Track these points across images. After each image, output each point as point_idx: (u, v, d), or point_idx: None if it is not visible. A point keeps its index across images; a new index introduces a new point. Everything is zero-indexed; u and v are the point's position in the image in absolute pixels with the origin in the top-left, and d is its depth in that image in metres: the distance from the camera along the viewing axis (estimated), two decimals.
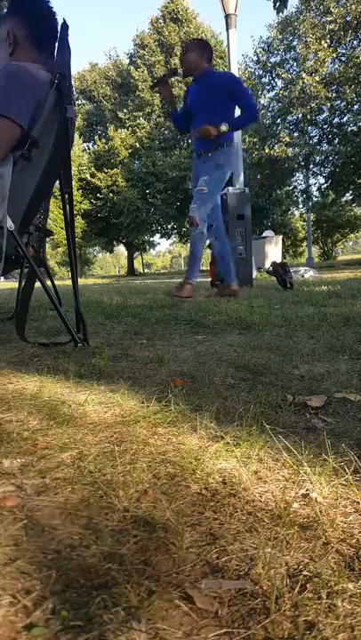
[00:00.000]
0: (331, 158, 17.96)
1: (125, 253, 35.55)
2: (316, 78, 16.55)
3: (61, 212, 1.88)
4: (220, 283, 4.54)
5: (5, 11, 1.66)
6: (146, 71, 25.56)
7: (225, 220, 4.99)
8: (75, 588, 0.47)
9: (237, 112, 3.67)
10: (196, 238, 3.62)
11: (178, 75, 3.73)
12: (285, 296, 3.50)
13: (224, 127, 3.46)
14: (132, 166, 25.82)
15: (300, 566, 0.50)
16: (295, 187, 22.35)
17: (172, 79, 3.74)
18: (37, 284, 1.73)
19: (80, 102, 29.04)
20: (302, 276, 7.01)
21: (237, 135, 6.25)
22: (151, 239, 32.98)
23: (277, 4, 5.23)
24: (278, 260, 9.29)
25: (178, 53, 24.99)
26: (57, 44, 1.59)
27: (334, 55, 16.86)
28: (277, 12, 5.38)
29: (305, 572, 0.49)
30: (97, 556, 0.52)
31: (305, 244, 30.04)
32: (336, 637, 0.41)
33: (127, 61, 28.41)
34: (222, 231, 3.90)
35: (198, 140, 3.65)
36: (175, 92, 24.56)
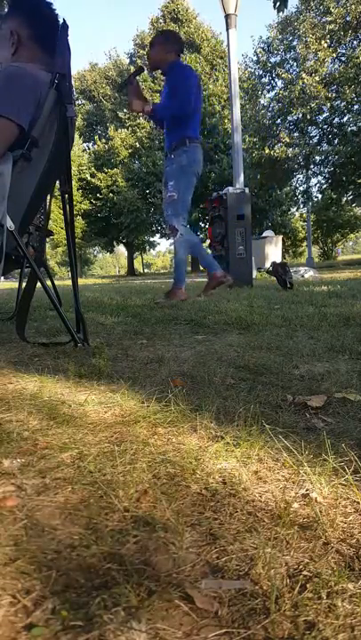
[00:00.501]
0: (331, 158, 17.96)
1: (125, 253, 35.54)
2: (316, 78, 16.56)
3: (61, 212, 1.88)
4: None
5: (7, 9, 1.66)
6: (146, 71, 25.52)
7: (225, 221, 5.01)
8: (75, 588, 0.47)
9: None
10: (179, 244, 3.53)
11: (142, 71, 3.58)
12: (285, 296, 3.50)
13: (148, 107, 3.33)
14: (132, 166, 25.82)
15: (300, 566, 0.50)
16: (295, 187, 22.35)
17: (139, 77, 3.53)
18: (37, 283, 1.73)
19: (80, 102, 29.05)
20: (302, 276, 7.01)
21: (237, 135, 6.25)
22: (151, 239, 32.98)
23: (278, 3, 5.23)
24: (278, 260, 9.29)
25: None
26: (57, 44, 1.59)
27: (334, 55, 16.87)
28: (278, 12, 5.38)
29: (305, 572, 0.49)
30: (97, 556, 0.52)
31: (305, 244, 30.04)
32: (336, 637, 0.41)
33: (127, 61, 28.42)
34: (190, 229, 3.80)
35: (165, 140, 3.53)
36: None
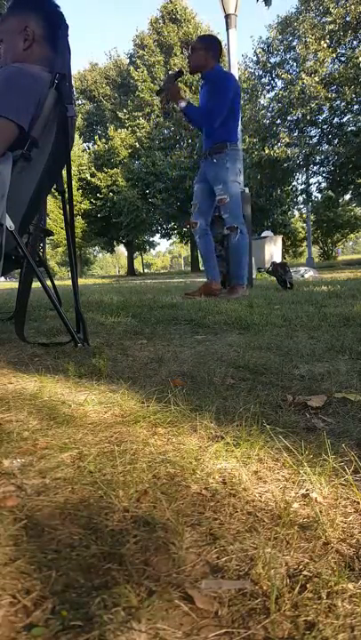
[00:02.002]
0: (331, 158, 17.97)
1: (125, 253, 35.55)
2: (316, 78, 16.56)
3: (61, 212, 1.88)
4: (222, 283, 4.52)
5: (14, 3, 1.65)
6: (145, 71, 25.56)
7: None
8: (75, 588, 0.47)
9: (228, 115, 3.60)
10: (237, 243, 3.70)
11: (182, 75, 3.69)
12: (285, 296, 3.50)
13: (183, 103, 3.47)
14: (132, 166, 25.82)
15: (300, 566, 0.50)
16: (295, 187, 22.37)
17: (178, 79, 3.67)
18: (37, 283, 1.73)
19: (80, 102, 29.05)
20: (302, 276, 7.01)
21: (237, 135, 6.25)
22: (151, 239, 33.00)
23: None
24: (278, 260, 9.29)
25: (177, 53, 25.02)
26: (58, 44, 1.59)
27: (334, 55, 16.88)
28: (265, 4, 5.40)
29: (305, 572, 0.49)
30: (97, 555, 0.52)
31: (305, 244, 30.05)
32: (336, 637, 0.41)
33: (127, 61, 28.43)
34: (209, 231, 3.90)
35: (204, 141, 3.67)
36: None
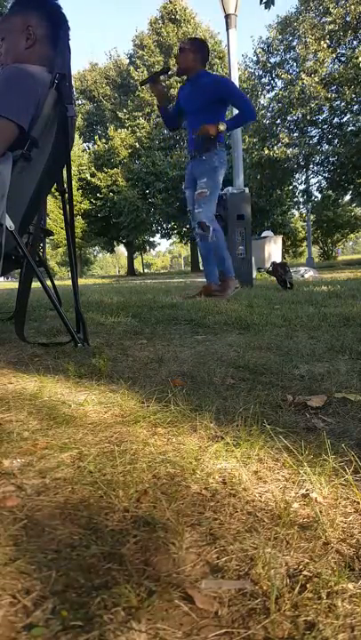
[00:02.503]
0: (331, 158, 17.97)
1: (125, 253, 35.55)
2: (316, 79, 16.56)
3: (61, 212, 1.88)
4: (222, 283, 4.51)
5: (17, 1, 1.64)
6: (145, 71, 25.55)
7: (225, 221, 5.00)
8: (75, 588, 0.47)
9: (229, 113, 3.68)
10: (215, 237, 3.64)
11: (168, 73, 3.70)
12: (285, 296, 3.50)
13: (222, 126, 3.48)
14: (132, 166, 25.82)
15: (300, 566, 0.50)
16: (295, 187, 22.37)
17: (163, 77, 3.68)
18: (37, 283, 1.73)
19: (80, 102, 29.05)
20: (302, 276, 7.02)
21: (237, 135, 6.25)
22: (151, 239, 32.99)
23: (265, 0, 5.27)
24: (278, 260, 9.29)
25: (176, 53, 25.00)
26: (58, 44, 1.59)
27: (334, 55, 16.88)
28: (265, 7, 5.41)
29: (305, 572, 0.49)
30: (97, 555, 0.52)
31: (305, 244, 30.05)
32: (336, 637, 0.41)
33: (127, 61, 28.43)
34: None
35: (192, 142, 3.66)
36: (173, 91, 24.60)
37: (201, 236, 3.63)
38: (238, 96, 3.56)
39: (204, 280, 3.97)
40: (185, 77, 3.69)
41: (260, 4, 5.36)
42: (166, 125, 3.92)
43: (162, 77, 3.67)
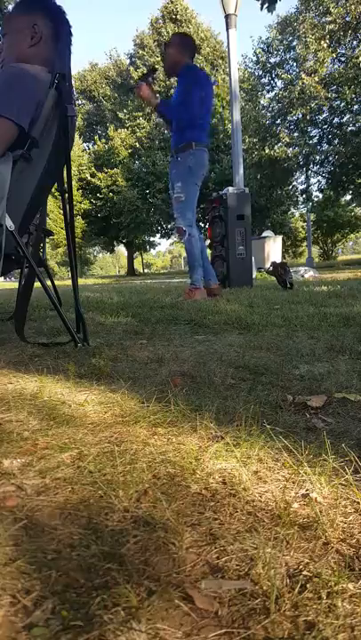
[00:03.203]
0: (331, 158, 17.97)
1: (125, 253, 35.53)
2: (316, 78, 16.56)
3: (61, 212, 1.88)
4: (222, 283, 4.52)
5: (22, 1, 1.65)
6: (146, 71, 25.55)
7: (225, 221, 5.00)
8: (75, 588, 0.47)
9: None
10: (189, 244, 3.57)
11: (155, 73, 3.64)
12: (285, 296, 3.50)
13: (155, 101, 3.43)
14: (132, 166, 25.83)
15: (300, 566, 0.50)
16: (295, 187, 22.38)
17: (150, 78, 3.64)
18: (37, 283, 1.73)
19: (80, 102, 29.05)
20: (302, 276, 7.02)
21: (237, 135, 6.25)
22: (151, 239, 32.98)
23: (266, 4, 5.28)
24: (278, 259, 9.29)
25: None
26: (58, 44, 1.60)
27: (334, 55, 16.88)
28: (268, 11, 5.43)
29: (305, 572, 0.49)
30: (97, 555, 0.52)
31: (305, 244, 30.03)
32: (336, 637, 0.41)
33: (127, 61, 28.43)
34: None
35: (172, 141, 3.60)
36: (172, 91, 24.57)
37: (179, 238, 3.59)
38: (177, 92, 3.45)
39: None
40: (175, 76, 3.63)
41: (262, 9, 5.37)
42: (169, 125, 3.83)
43: (149, 79, 3.58)
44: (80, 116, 28.17)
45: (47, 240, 2.16)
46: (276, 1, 5.28)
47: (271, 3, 5.27)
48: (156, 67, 3.74)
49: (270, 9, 5.34)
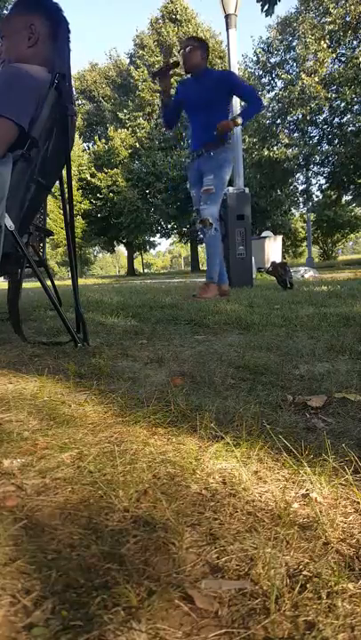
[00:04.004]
0: (331, 158, 17.97)
1: (125, 253, 35.53)
2: (316, 79, 16.58)
3: (61, 212, 1.88)
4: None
5: (20, 1, 1.65)
6: (146, 71, 25.56)
7: (225, 221, 5.01)
8: (75, 588, 0.47)
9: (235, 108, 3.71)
10: (214, 238, 3.63)
11: (175, 67, 3.70)
12: (285, 296, 3.50)
13: (239, 120, 3.52)
14: (132, 166, 25.82)
15: (300, 566, 0.50)
16: (295, 187, 22.37)
17: (172, 71, 3.73)
18: (37, 283, 1.73)
19: (80, 102, 29.04)
20: (302, 276, 7.02)
21: (237, 135, 6.25)
22: (151, 239, 32.98)
23: (266, 6, 5.30)
24: (278, 260, 9.28)
25: (177, 52, 25.00)
26: (58, 43, 1.60)
27: (334, 56, 16.89)
28: (266, 15, 5.45)
29: (305, 572, 0.49)
30: (97, 555, 0.52)
31: (305, 244, 30.03)
32: (336, 637, 0.41)
33: (127, 61, 28.43)
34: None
35: (197, 139, 3.68)
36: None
37: (201, 231, 3.63)
38: (244, 87, 3.60)
39: (204, 280, 3.96)
40: (190, 75, 3.71)
41: (262, 12, 5.39)
42: (165, 123, 3.91)
43: (170, 72, 3.67)
44: (80, 116, 28.15)
45: (47, 240, 2.16)
46: (274, 4, 5.29)
47: (270, 5, 5.29)
48: (179, 61, 3.82)
49: (269, 12, 5.36)
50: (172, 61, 3.71)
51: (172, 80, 3.71)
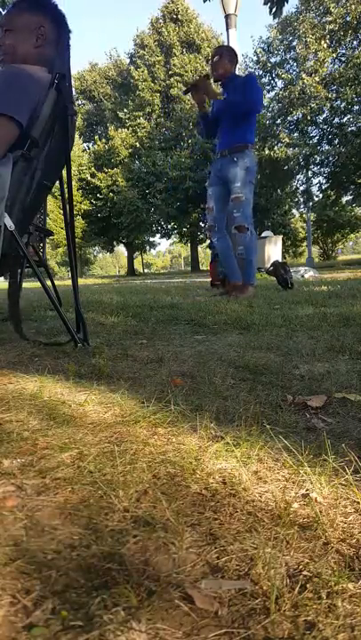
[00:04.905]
0: (331, 158, 17.97)
1: (125, 253, 35.53)
2: (316, 78, 16.57)
3: (61, 211, 1.88)
4: (221, 283, 4.57)
5: (31, 1, 1.66)
6: (146, 71, 25.58)
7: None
8: (75, 588, 0.47)
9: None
10: (250, 241, 3.72)
11: (206, 80, 3.78)
12: (285, 296, 3.50)
13: (220, 97, 3.61)
14: (132, 166, 25.83)
15: (300, 566, 0.50)
16: (296, 187, 22.36)
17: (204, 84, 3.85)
18: (37, 283, 1.73)
19: (80, 102, 29.05)
20: (302, 276, 7.01)
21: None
22: (151, 239, 32.99)
23: (274, 9, 5.32)
24: (279, 260, 9.27)
25: (177, 53, 25.02)
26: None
27: (334, 55, 16.89)
28: (274, 17, 5.48)
29: (305, 572, 0.49)
30: (97, 555, 0.52)
31: (305, 244, 30.02)
32: (336, 637, 0.41)
33: (127, 61, 28.44)
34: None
35: (223, 140, 3.75)
36: (173, 90, 24.49)
37: (244, 236, 3.71)
38: (251, 88, 3.58)
39: (205, 280, 3.98)
40: (220, 83, 3.82)
41: (270, 14, 5.43)
42: (205, 133, 4.01)
43: (202, 85, 3.75)
44: (80, 116, 28.15)
45: (47, 240, 2.15)
46: (282, 6, 5.32)
47: (278, 7, 5.31)
48: (210, 75, 3.93)
49: (277, 14, 5.39)
50: (203, 74, 3.81)
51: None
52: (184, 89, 4.00)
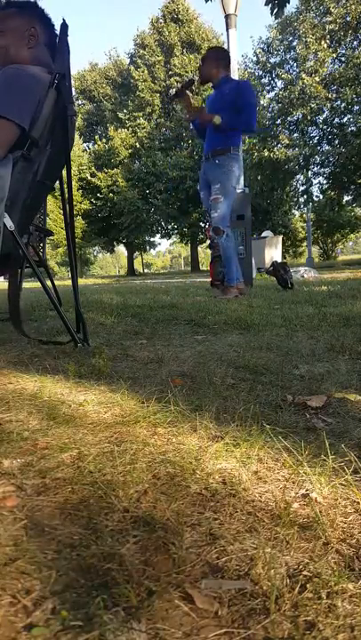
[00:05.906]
0: (331, 159, 17.97)
1: (125, 253, 35.54)
2: (316, 79, 16.57)
3: (61, 211, 1.88)
4: (221, 283, 4.57)
5: (21, 5, 1.67)
6: (146, 71, 25.58)
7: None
8: (75, 588, 0.47)
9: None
10: (226, 243, 3.73)
11: (193, 84, 3.79)
12: (285, 296, 3.50)
13: (217, 120, 3.55)
14: (132, 166, 25.83)
15: (300, 566, 0.50)
16: (296, 187, 22.36)
17: (191, 88, 3.89)
18: (37, 283, 1.73)
19: (80, 102, 29.05)
20: (302, 276, 7.01)
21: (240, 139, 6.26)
22: (151, 239, 32.97)
23: (275, 9, 5.34)
24: (279, 260, 9.28)
25: (177, 54, 25.04)
26: (57, 44, 1.61)
27: (334, 55, 16.89)
28: (275, 17, 5.50)
29: (305, 572, 0.49)
30: (97, 555, 0.52)
31: (305, 244, 30.02)
32: (336, 637, 0.41)
33: (127, 61, 28.43)
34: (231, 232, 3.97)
35: (207, 144, 3.75)
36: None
37: (213, 239, 3.74)
38: (245, 100, 3.55)
39: (205, 280, 3.99)
40: (211, 85, 3.81)
41: (272, 14, 5.46)
42: (197, 135, 4.03)
43: (190, 89, 3.78)
44: (80, 116, 28.16)
45: (47, 240, 2.16)
46: (284, 6, 5.34)
47: (280, 8, 5.34)
48: (193, 79, 3.95)
49: (278, 14, 5.41)
50: (187, 80, 3.82)
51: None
52: (170, 97, 4.10)
